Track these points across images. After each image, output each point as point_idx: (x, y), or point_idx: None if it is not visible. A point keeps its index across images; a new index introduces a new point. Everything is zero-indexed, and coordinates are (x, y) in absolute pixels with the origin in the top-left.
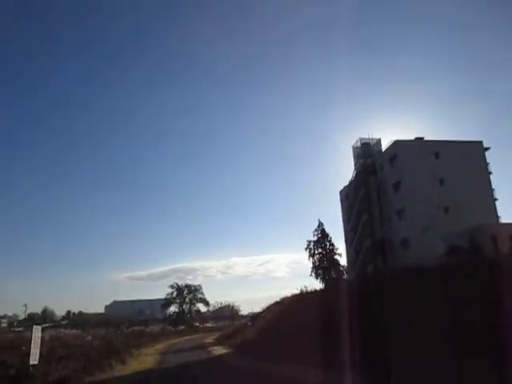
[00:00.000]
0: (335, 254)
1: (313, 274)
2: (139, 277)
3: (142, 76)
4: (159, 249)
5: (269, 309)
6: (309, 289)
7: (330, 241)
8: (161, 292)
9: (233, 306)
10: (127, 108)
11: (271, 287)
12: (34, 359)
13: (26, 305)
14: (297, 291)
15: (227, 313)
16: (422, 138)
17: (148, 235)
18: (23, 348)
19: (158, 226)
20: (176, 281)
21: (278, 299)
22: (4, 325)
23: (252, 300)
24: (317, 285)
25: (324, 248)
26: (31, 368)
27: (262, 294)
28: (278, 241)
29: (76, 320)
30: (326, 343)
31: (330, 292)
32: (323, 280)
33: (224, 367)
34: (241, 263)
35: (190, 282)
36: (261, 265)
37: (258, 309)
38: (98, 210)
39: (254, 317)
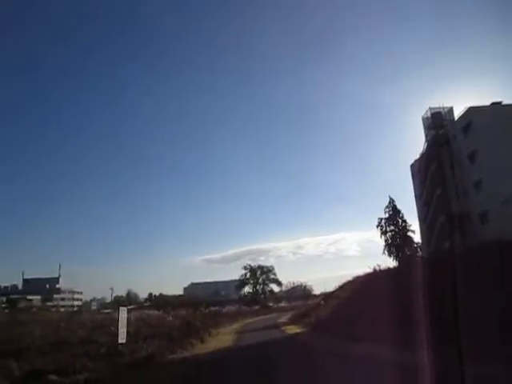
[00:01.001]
0: (408, 230)
1: (385, 252)
2: (214, 259)
3: (206, 62)
4: (232, 231)
5: (342, 288)
6: (382, 267)
7: (402, 217)
8: (235, 273)
9: (305, 286)
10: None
11: (343, 266)
12: (122, 338)
13: (112, 288)
14: (369, 270)
15: (300, 292)
16: (499, 103)
17: (221, 219)
18: (112, 328)
19: (230, 209)
20: (249, 262)
21: (350, 278)
22: (94, 307)
23: (324, 279)
24: (390, 263)
25: (396, 225)
26: (120, 346)
27: (334, 274)
28: (349, 219)
29: (157, 301)
30: (401, 322)
31: (403, 270)
32: (396, 258)
33: (299, 346)
34: (312, 243)
35: (262, 263)
36: (331, 244)
37: (330, 288)
38: (176, 197)
39: (326, 296)
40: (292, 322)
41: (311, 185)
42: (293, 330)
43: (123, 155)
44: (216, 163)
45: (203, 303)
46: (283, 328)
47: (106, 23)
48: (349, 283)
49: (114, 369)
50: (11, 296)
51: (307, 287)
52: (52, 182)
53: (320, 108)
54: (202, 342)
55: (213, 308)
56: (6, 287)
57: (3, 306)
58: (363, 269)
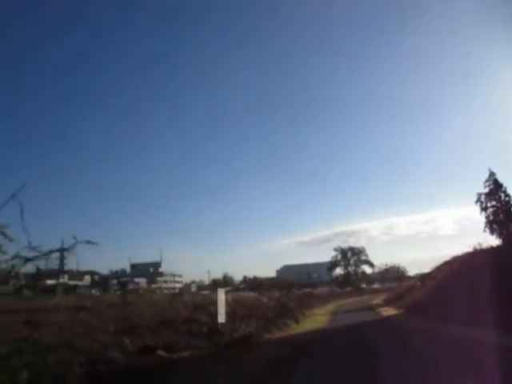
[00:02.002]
0: None
1: (486, 230)
2: (304, 242)
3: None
4: (321, 213)
5: (439, 268)
6: (483, 246)
7: (504, 191)
8: (325, 255)
9: (398, 267)
10: None
11: (438, 246)
12: (221, 318)
13: (209, 271)
14: (469, 249)
15: (393, 274)
16: None
17: (310, 201)
18: (211, 308)
19: (318, 191)
20: (339, 244)
21: (447, 258)
22: (193, 289)
23: (418, 260)
24: (492, 241)
25: (498, 200)
26: (220, 326)
27: (429, 254)
28: (443, 196)
29: (252, 284)
30: (504, 304)
31: (508, 249)
32: (500, 236)
33: (394, 327)
34: (403, 222)
35: (352, 245)
36: (425, 223)
37: (425, 269)
38: (266, 180)
39: (422, 277)
40: (386, 303)
41: (401, 160)
42: (388, 311)
43: (217, 141)
44: (303, 145)
45: (296, 285)
46: (377, 310)
47: None
48: (446, 263)
49: (216, 347)
50: (121, 279)
51: (401, 268)
52: (155, 171)
53: (410, 68)
54: (297, 322)
55: (305, 290)
56: (116, 271)
57: (115, 288)
58: (461, 248)
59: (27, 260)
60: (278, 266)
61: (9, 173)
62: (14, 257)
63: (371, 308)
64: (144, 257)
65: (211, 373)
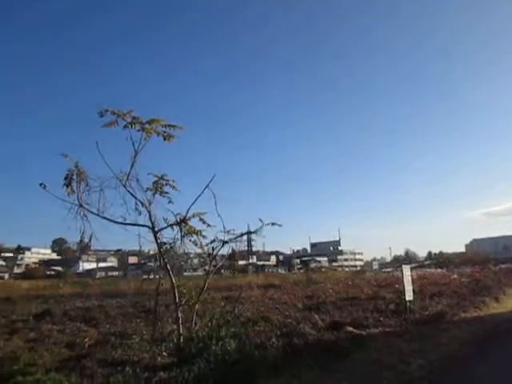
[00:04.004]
0: None
1: None
2: (496, 212)
3: None
4: None
5: None
6: None
7: None
8: None
9: None
10: None
11: None
12: (408, 295)
13: (390, 248)
14: None
15: None
16: None
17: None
18: (396, 286)
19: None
20: None
21: None
22: (375, 267)
23: None
24: None
25: None
26: (408, 303)
27: None
28: None
29: (437, 259)
30: None
31: None
32: None
33: None
34: None
35: None
36: None
37: None
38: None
39: None
40: None
41: None
42: None
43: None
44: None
45: (491, 260)
46: None
47: None
48: None
49: (405, 324)
50: (303, 258)
51: None
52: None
53: None
54: (497, 301)
55: (503, 265)
56: (297, 251)
57: (298, 266)
58: None
59: (224, 242)
60: (467, 240)
61: (200, 170)
62: (213, 240)
63: None
64: (323, 236)
65: (404, 350)
